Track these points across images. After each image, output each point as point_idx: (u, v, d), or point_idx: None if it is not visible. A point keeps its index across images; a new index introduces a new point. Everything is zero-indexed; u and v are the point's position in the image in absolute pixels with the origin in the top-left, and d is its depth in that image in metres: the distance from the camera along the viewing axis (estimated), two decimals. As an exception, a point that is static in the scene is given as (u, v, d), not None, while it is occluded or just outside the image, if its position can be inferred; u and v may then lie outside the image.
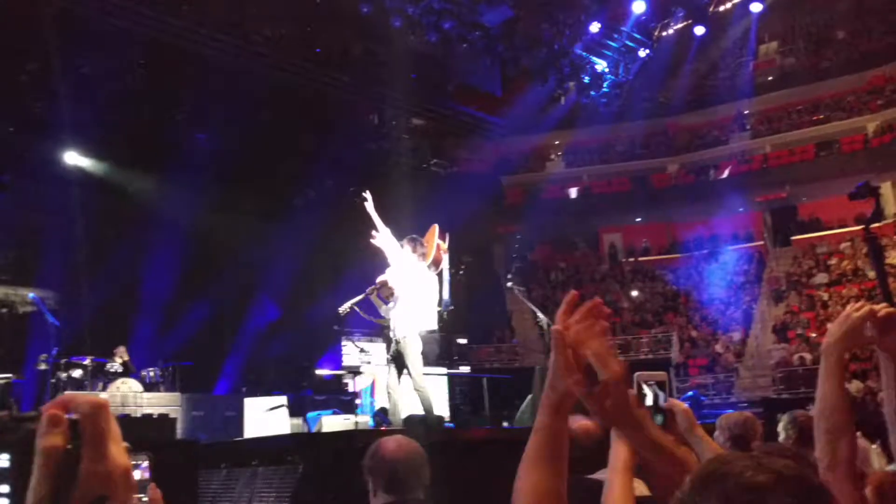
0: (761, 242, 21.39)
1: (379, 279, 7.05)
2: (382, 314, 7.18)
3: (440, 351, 8.87)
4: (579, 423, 2.29)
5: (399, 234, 8.46)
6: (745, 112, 21.96)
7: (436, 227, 7.51)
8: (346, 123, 14.04)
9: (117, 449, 0.76)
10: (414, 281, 7.70)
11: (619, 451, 1.47)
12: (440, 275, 7.51)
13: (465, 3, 10.85)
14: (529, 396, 7.18)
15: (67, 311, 10.40)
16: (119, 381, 11.03)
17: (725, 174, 21.21)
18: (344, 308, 7.46)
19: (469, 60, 12.69)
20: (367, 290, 7.51)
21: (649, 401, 1.43)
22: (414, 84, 13.40)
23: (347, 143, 14.16)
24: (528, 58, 12.16)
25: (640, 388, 1.44)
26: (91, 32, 10.55)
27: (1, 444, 0.80)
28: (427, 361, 8.67)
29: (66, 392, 9.79)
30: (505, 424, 7.77)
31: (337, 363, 13.68)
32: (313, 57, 12.76)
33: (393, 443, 2.52)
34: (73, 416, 0.74)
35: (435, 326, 8.44)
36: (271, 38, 12.20)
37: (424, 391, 6.59)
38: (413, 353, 6.62)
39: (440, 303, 7.60)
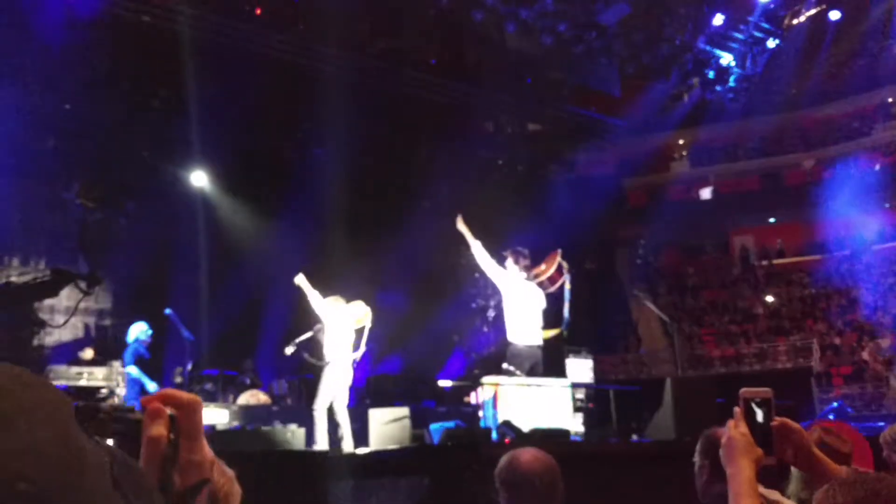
0: (911, 240, 19.80)
1: (316, 326, 8.00)
2: (326, 358, 7.83)
3: (545, 364, 8.57)
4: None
5: (519, 243, 8.41)
6: (890, 100, 20.42)
7: (558, 253, 7.72)
8: (460, 132, 14.01)
9: (205, 442, 0.85)
10: (513, 293, 7.82)
11: (743, 471, 1.43)
12: (560, 294, 7.66)
13: (581, 3, 10.55)
14: (661, 409, 6.82)
15: (196, 325, 10.82)
16: (248, 394, 11.39)
17: (868, 167, 19.78)
18: (289, 348, 8.11)
19: (585, 62, 12.34)
20: (315, 329, 7.95)
21: (759, 418, 1.45)
22: (529, 89, 13.19)
23: (462, 152, 14.12)
24: (648, 55, 11.70)
25: (747, 406, 1.45)
26: (218, 57, 10.99)
27: (108, 433, 0.84)
28: (526, 374, 8.43)
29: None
30: (634, 438, 7.41)
31: (456, 374, 13.64)
32: (427, 67, 12.80)
33: (528, 454, 2.42)
34: (171, 411, 0.82)
35: (534, 341, 8.13)
36: (385, 51, 12.32)
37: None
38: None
39: (562, 322, 7.80)
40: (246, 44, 11.76)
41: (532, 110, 14.03)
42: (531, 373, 7.93)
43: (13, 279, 9.87)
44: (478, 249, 7.52)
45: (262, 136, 12.81)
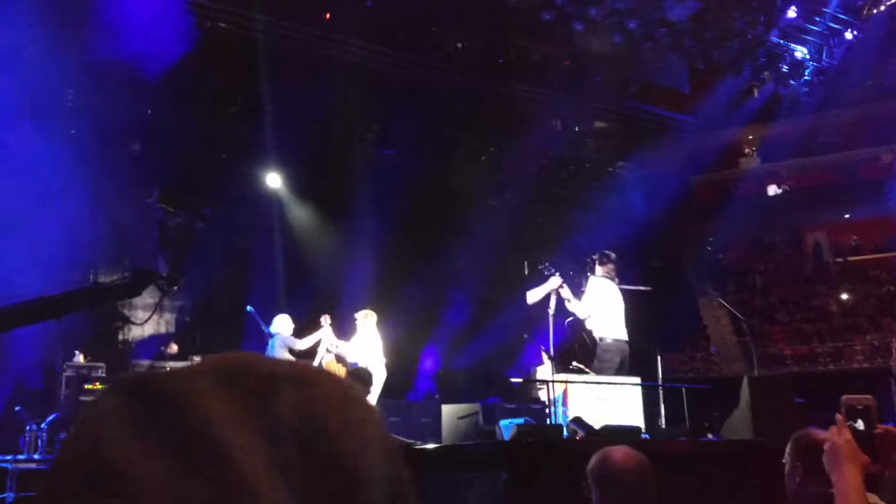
0: None
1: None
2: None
3: (630, 360, 8.70)
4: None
5: (585, 241, 8.72)
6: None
7: None
8: (527, 131, 14.06)
9: None
10: (601, 293, 8.20)
11: (851, 478, 1.45)
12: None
13: (650, 0, 10.49)
14: (737, 408, 6.77)
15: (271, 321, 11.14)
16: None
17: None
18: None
19: (654, 58, 12.25)
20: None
21: (861, 425, 1.43)
22: (597, 87, 13.15)
23: (529, 151, 14.16)
24: (719, 51, 11.53)
25: (849, 413, 1.44)
26: (292, 62, 11.31)
27: None
28: (615, 370, 8.58)
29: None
30: (710, 437, 7.37)
31: (525, 371, 13.67)
32: (495, 67, 12.89)
33: (621, 452, 2.47)
34: None
35: (621, 335, 8.48)
36: (453, 52, 12.46)
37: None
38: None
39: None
40: (317, 48, 12.06)
41: (600, 108, 13.98)
42: (620, 368, 8.18)
43: (101, 279, 10.36)
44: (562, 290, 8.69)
45: (333, 138, 13.11)
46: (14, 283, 7.15)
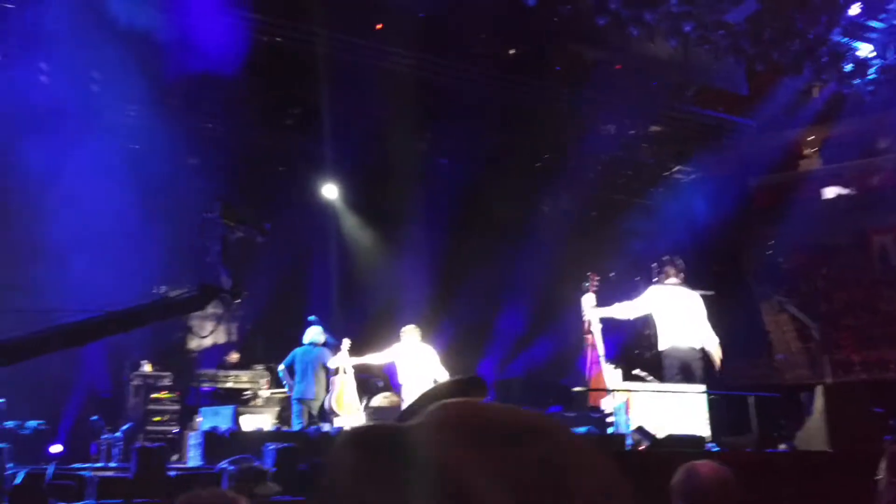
0: None
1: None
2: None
3: (702, 367, 8.57)
4: None
5: (642, 246, 8.71)
6: None
7: None
8: (581, 136, 13.96)
9: None
10: (664, 302, 8.14)
11: None
12: None
13: (707, 2, 10.30)
14: (811, 417, 6.56)
15: (330, 331, 11.27)
16: (381, 396, 11.77)
17: None
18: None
19: (711, 61, 12.03)
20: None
21: None
22: (652, 91, 12.98)
23: (584, 156, 14.05)
24: (779, 51, 11.26)
25: None
26: (345, 73, 11.44)
27: None
28: (677, 378, 8.45)
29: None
30: (782, 447, 7.18)
31: (583, 379, 13.50)
32: (547, 73, 12.83)
33: (707, 468, 2.44)
34: None
35: (682, 343, 8.37)
36: (507, 60, 12.45)
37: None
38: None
39: None
40: (369, 59, 12.16)
41: (656, 112, 13.79)
42: (685, 376, 8.10)
43: (166, 293, 10.62)
44: (625, 308, 8.82)
45: (387, 147, 13.21)
46: (82, 299, 7.36)
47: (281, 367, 10.84)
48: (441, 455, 0.47)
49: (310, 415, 10.58)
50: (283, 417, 11.20)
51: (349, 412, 10.39)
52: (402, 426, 0.51)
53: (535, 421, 0.53)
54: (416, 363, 10.24)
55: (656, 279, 8.61)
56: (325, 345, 10.80)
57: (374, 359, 10.67)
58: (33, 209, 10.20)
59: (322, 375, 10.66)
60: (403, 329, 10.60)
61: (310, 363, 10.61)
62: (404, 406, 11.24)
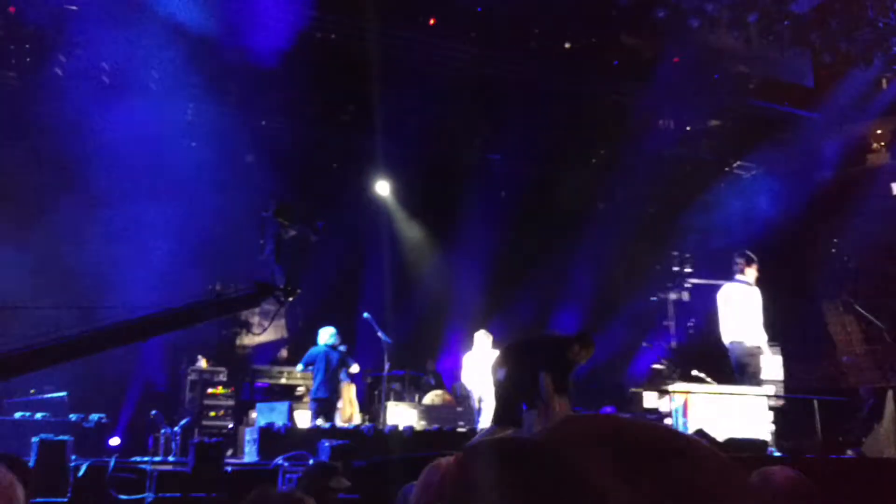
0: None
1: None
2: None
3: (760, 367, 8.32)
4: None
5: (701, 243, 8.48)
6: None
7: None
8: (638, 131, 13.66)
9: None
10: (739, 298, 7.98)
11: None
12: None
13: (771, -8, 9.96)
14: (882, 422, 6.27)
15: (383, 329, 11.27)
16: (433, 394, 11.72)
17: None
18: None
19: (776, 52, 11.63)
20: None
21: None
22: (713, 84, 12.61)
23: (641, 152, 13.74)
24: (847, 42, 10.83)
25: None
26: (403, 69, 11.40)
27: None
28: (748, 377, 8.20)
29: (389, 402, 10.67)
30: (849, 453, 6.89)
31: (639, 380, 13.27)
32: (604, 67, 12.57)
33: (782, 475, 2.40)
34: None
35: (755, 342, 8.18)
36: (563, 53, 12.24)
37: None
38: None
39: None
40: (424, 54, 12.08)
41: (717, 106, 13.42)
42: (749, 374, 7.96)
43: (221, 291, 10.73)
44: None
45: (442, 143, 13.15)
46: (140, 296, 7.47)
47: (300, 366, 10.86)
48: (586, 471, 0.48)
49: (325, 415, 10.55)
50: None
51: (353, 416, 10.75)
52: (536, 440, 0.53)
53: (681, 442, 0.52)
54: (485, 369, 10.26)
55: (736, 275, 8.42)
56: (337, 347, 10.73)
57: (469, 375, 10.77)
58: (92, 206, 10.43)
59: (338, 378, 10.67)
60: (476, 334, 10.79)
61: (331, 365, 10.60)
62: (458, 407, 11.20)
